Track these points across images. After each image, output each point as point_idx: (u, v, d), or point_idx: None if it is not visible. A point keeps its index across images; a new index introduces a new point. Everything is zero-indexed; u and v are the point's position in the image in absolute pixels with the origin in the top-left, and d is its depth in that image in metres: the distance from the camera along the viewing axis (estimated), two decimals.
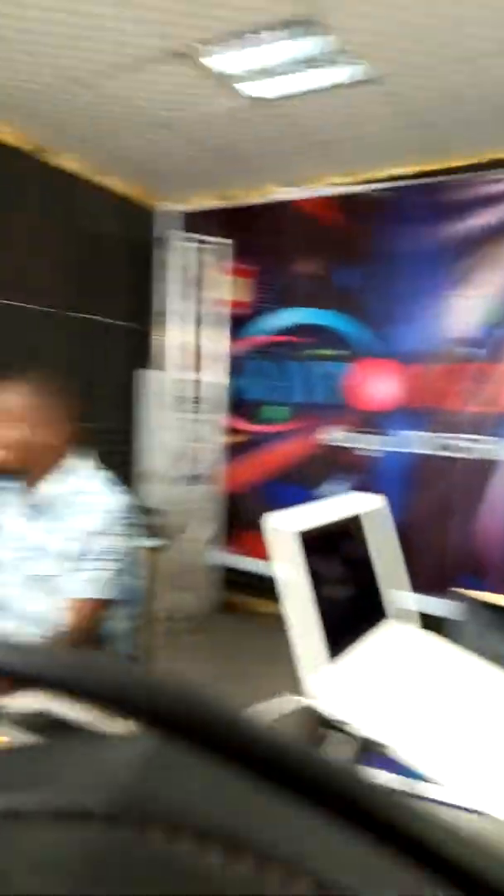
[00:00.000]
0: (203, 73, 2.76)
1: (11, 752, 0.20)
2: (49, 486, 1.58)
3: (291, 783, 0.17)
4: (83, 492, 1.57)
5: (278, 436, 4.19)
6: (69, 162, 3.83)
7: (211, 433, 4.06)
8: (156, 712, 0.17)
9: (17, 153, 3.56)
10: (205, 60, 2.63)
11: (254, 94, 2.87)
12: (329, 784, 0.17)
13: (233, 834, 0.16)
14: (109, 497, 1.57)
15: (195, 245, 3.94)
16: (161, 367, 4.10)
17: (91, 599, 1.51)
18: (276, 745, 0.17)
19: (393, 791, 0.18)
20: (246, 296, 4.27)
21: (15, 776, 0.18)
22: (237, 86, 2.78)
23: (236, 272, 4.19)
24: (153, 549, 2.82)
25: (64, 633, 1.47)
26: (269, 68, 2.66)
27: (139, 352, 4.35)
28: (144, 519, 4.00)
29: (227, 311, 4.07)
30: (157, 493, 4.05)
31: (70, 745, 0.20)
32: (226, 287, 4.03)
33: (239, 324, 4.25)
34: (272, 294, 4.18)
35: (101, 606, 1.54)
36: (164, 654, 3.18)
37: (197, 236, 3.99)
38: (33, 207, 3.66)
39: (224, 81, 2.79)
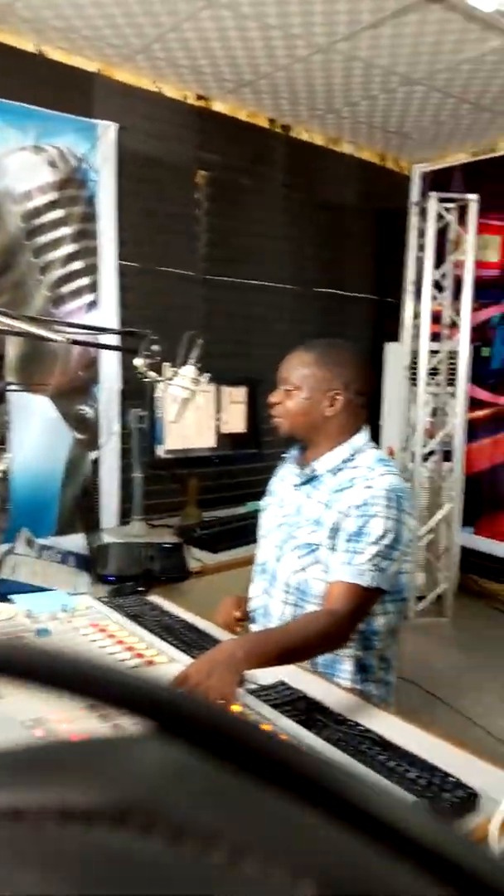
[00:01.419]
0: (466, 16, 2.54)
1: (15, 750, 0.19)
2: (326, 458, 1.55)
3: (293, 786, 0.17)
4: (357, 466, 1.52)
5: None
6: (310, 133, 3.80)
7: (454, 406, 3.83)
8: (162, 716, 0.18)
9: (259, 130, 3.60)
10: (472, 1, 2.39)
11: None
12: (334, 788, 0.17)
13: (237, 836, 0.16)
14: (384, 477, 1.47)
15: (437, 205, 3.68)
16: (404, 338, 3.94)
17: (358, 586, 1.39)
18: (275, 746, 0.17)
19: (388, 790, 0.18)
20: (494, 255, 3.93)
21: (18, 774, 0.18)
22: None
23: (483, 230, 3.86)
24: None
25: (326, 613, 1.39)
26: None
27: (386, 324, 4.24)
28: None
29: (472, 273, 3.76)
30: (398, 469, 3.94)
31: (76, 744, 0.20)
32: (472, 247, 3.72)
33: (486, 286, 3.93)
34: None
35: (369, 596, 1.41)
36: (405, 634, 3.14)
37: (440, 195, 3.72)
38: (277, 184, 3.69)
39: (494, 20, 2.53)
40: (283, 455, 1.75)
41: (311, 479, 1.57)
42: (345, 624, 1.38)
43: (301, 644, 1.33)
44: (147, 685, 0.18)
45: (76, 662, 0.19)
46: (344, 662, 1.52)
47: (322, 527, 1.50)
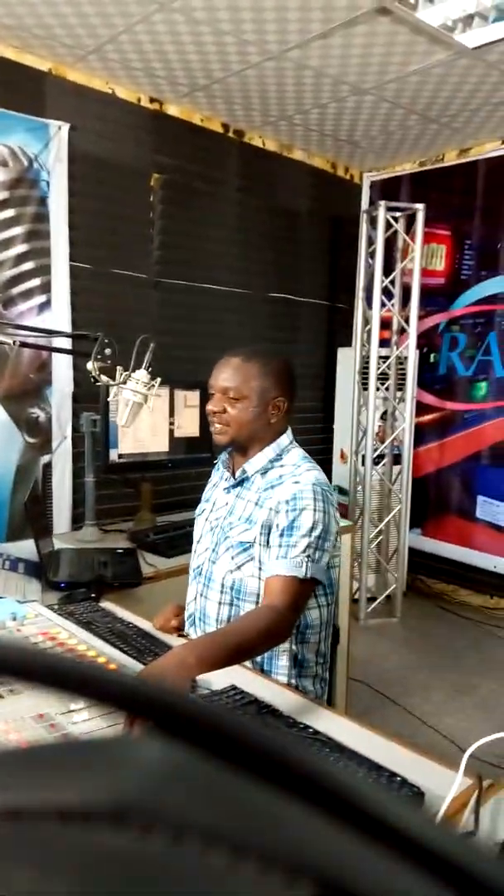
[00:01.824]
0: (414, 29, 2.60)
1: (14, 750, 0.20)
2: (256, 460, 1.59)
3: (293, 786, 0.17)
4: (284, 465, 1.58)
5: (477, 414, 3.94)
6: (263, 139, 3.83)
7: (403, 411, 3.91)
8: (161, 716, 0.18)
9: (213, 135, 3.61)
10: (419, 14, 2.45)
11: (472, 44, 2.64)
12: (333, 788, 0.17)
13: (237, 835, 0.16)
14: (309, 472, 1.54)
15: (386, 214, 3.76)
16: (355, 343, 4.00)
17: (295, 578, 1.42)
18: (275, 747, 0.17)
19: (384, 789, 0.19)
20: (440, 264, 4.04)
21: (20, 775, 0.18)
22: (457, 37, 2.57)
23: (429, 239, 3.96)
24: (343, 529, 2.78)
25: (267, 609, 1.42)
26: (485, 12, 2.43)
27: (338, 329, 4.29)
28: (337, 498, 3.98)
29: (419, 281, 3.84)
30: (348, 472, 4.00)
31: (76, 745, 0.21)
32: (418, 255, 3.80)
33: (432, 294, 4.03)
34: (470, 261, 3.91)
35: (306, 587, 1.46)
36: (357, 635, 3.19)
37: (389, 203, 3.79)
38: (231, 189, 3.70)
39: (440, 34, 2.60)
40: (214, 461, 1.79)
41: (242, 481, 1.62)
42: (287, 617, 1.41)
43: (247, 643, 1.35)
44: (147, 685, 0.18)
45: (77, 664, 0.19)
46: (281, 658, 1.55)
47: (254, 524, 1.54)
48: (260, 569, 1.53)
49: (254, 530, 1.53)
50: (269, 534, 1.51)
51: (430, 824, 0.17)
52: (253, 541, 1.53)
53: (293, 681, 1.55)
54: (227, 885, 0.15)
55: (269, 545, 1.51)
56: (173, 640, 1.56)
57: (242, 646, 1.34)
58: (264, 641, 1.41)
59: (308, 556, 1.45)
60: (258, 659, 1.54)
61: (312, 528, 1.47)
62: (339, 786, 0.17)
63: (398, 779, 1.06)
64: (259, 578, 1.53)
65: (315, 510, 1.48)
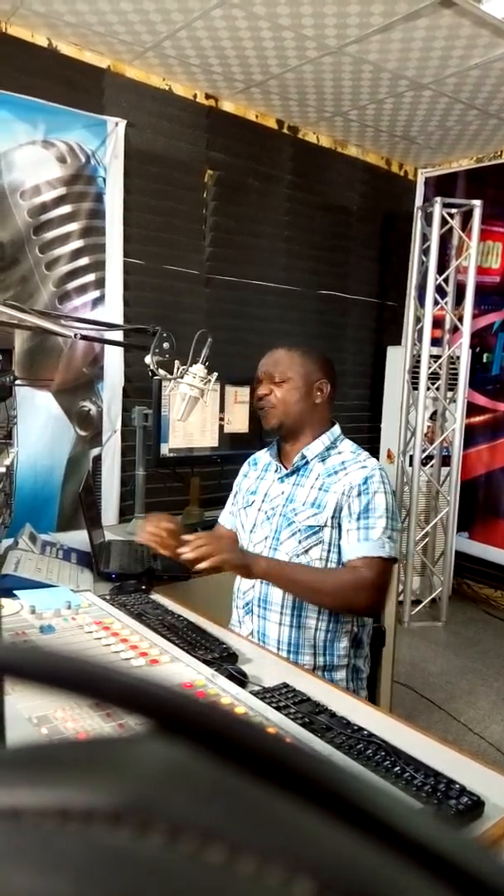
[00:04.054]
0: (477, 22, 2.55)
1: (14, 749, 0.19)
2: (314, 445, 1.67)
3: (293, 785, 0.17)
4: (342, 452, 1.66)
5: None
6: (317, 135, 3.81)
7: (454, 412, 3.84)
8: (162, 715, 0.18)
9: (267, 131, 3.59)
10: (484, 6, 2.40)
11: None
12: (333, 787, 0.17)
13: (235, 833, 0.16)
14: (370, 459, 1.64)
15: (441, 210, 3.68)
16: (406, 342, 3.95)
17: (379, 558, 1.53)
18: (276, 746, 0.17)
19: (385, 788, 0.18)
20: (495, 262, 3.95)
21: (18, 773, 0.18)
22: None
23: (485, 236, 3.87)
24: None
25: (351, 571, 1.52)
26: None
27: (388, 327, 4.24)
28: None
29: (474, 279, 3.75)
30: (395, 472, 3.95)
31: (75, 744, 0.20)
32: (474, 253, 3.72)
33: (487, 293, 3.94)
34: None
35: (388, 566, 1.56)
36: (400, 638, 3.15)
37: (445, 200, 3.72)
38: (283, 186, 3.69)
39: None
40: (247, 457, 1.88)
41: (298, 469, 1.67)
42: (371, 593, 1.52)
43: (318, 584, 1.52)
44: (148, 684, 0.18)
45: (77, 662, 0.19)
46: (342, 640, 1.62)
47: (323, 509, 1.60)
48: (329, 550, 1.59)
49: (324, 514, 1.60)
50: (339, 516, 1.58)
51: (431, 823, 0.17)
52: (324, 524, 1.60)
53: (352, 661, 1.64)
54: (225, 882, 0.15)
55: (339, 527, 1.58)
56: (224, 635, 1.56)
57: (311, 584, 1.52)
58: (335, 594, 1.52)
59: (388, 537, 1.55)
60: (319, 643, 1.60)
61: (387, 510, 1.56)
62: (339, 785, 0.17)
63: (457, 786, 1.04)
64: (325, 560, 1.59)
65: (386, 493, 1.58)
